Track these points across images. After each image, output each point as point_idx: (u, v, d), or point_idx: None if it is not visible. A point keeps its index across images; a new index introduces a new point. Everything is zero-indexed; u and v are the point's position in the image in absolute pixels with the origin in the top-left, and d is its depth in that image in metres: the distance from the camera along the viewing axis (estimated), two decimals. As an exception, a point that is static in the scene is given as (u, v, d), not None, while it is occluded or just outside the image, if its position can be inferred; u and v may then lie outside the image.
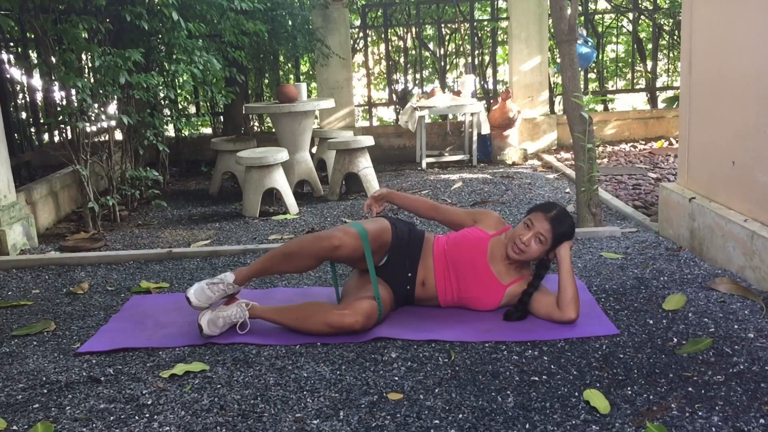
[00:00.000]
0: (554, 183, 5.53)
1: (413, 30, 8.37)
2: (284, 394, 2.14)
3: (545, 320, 2.61)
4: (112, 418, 2.04)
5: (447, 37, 8.88)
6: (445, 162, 6.70)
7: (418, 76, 8.48)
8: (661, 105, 8.27)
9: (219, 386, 2.22)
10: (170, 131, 6.80)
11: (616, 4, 8.68)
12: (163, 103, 5.75)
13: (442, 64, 8.58)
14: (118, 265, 3.69)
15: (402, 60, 8.76)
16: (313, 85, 8.28)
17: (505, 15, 7.71)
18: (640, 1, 8.45)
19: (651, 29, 8.38)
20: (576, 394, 2.06)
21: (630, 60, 8.55)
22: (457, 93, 6.73)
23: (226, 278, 2.62)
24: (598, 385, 2.11)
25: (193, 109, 7.88)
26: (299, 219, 4.74)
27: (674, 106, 7.61)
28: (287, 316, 2.62)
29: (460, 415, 1.97)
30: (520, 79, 7.09)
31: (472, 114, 6.56)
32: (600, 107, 9.03)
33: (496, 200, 4.96)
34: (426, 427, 1.91)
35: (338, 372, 2.28)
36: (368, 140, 5.33)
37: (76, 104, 4.47)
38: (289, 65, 8.19)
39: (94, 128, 4.80)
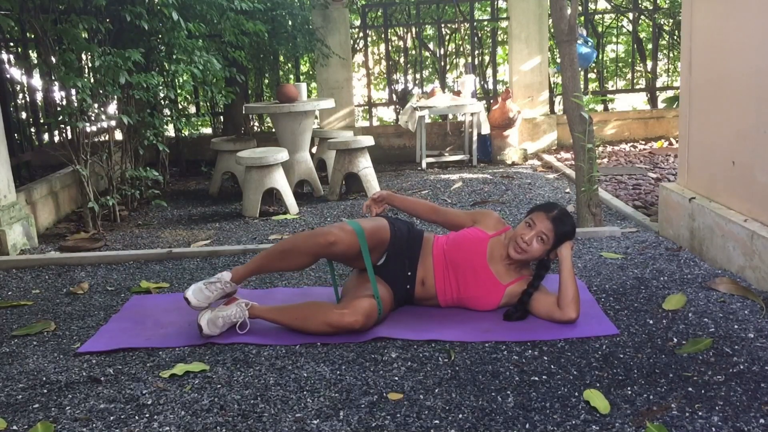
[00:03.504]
0: (554, 183, 5.53)
1: (413, 30, 8.37)
2: (284, 394, 2.14)
3: (545, 320, 2.61)
4: (112, 418, 2.04)
5: (447, 37, 8.88)
6: (445, 162, 6.70)
7: (418, 76, 8.48)
8: (661, 105, 8.27)
9: (219, 386, 2.22)
10: (170, 131, 6.80)
11: (616, 4, 8.68)
12: (163, 103, 5.75)
13: (442, 64, 8.58)
14: (118, 265, 3.69)
15: (402, 60, 8.76)
16: (313, 85, 8.28)
17: (505, 15, 7.70)
18: (640, 1, 8.45)
19: (651, 29, 8.38)
20: (576, 394, 2.06)
21: (630, 60, 8.55)
22: (457, 93, 6.73)
23: (222, 277, 2.62)
24: (598, 385, 2.11)
25: (193, 109, 7.88)
26: (299, 219, 4.74)
27: (674, 106, 7.61)
28: (287, 315, 2.62)
29: (460, 415, 1.97)
30: (520, 79, 7.09)
31: (472, 114, 6.56)
32: (600, 107, 9.03)
33: (496, 200, 4.96)
34: (426, 427, 1.91)
35: (338, 372, 2.28)
36: (368, 140, 5.33)
37: (76, 104, 4.47)
38: (289, 65, 8.19)
39: (94, 128, 4.80)
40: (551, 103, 7.70)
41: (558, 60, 4.23)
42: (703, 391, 2.03)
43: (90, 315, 2.95)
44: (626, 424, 1.88)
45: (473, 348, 2.42)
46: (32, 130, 6.11)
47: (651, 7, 8.17)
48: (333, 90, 7.03)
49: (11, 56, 5.98)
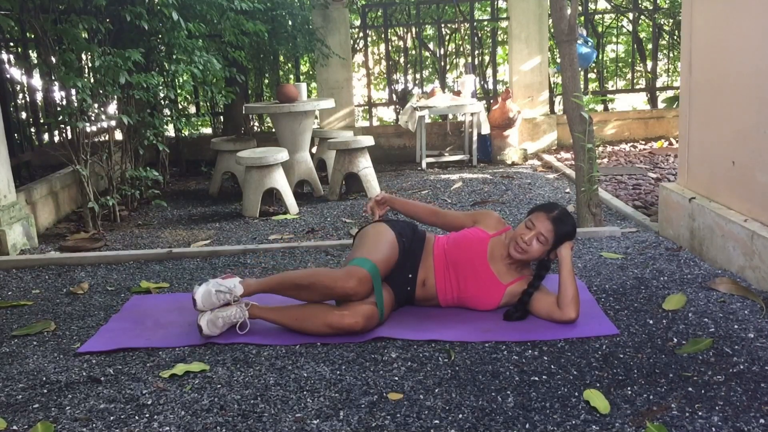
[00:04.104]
0: (554, 183, 5.53)
1: (413, 30, 8.37)
2: (284, 394, 2.14)
3: (545, 320, 2.61)
4: (112, 418, 2.04)
5: (447, 37, 8.88)
6: (445, 162, 6.70)
7: (418, 76, 8.48)
8: (661, 105, 8.27)
9: (219, 386, 2.22)
10: (170, 131, 6.80)
11: (616, 4, 8.68)
12: (163, 103, 5.75)
13: (442, 64, 8.58)
14: (118, 265, 3.69)
15: (402, 60, 8.76)
16: (313, 85, 8.28)
17: (505, 15, 7.70)
18: (640, 1, 8.45)
19: (651, 29, 8.38)
20: (576, 394, 2.06)
21: (630, 60, 8.55)
22: (457, 93, 6.73)
23: (235, 291, 2.57)
24: (598, 385, 2.11)
25: (193, 109, 7.88)
26: (299, 219, 4.74)
27: (674, 106, 7.61)
28: (287, 316, 2.62)
29: (460, 415, 1.97)
30: (520, 79, 7.09)
31: (472, 114, 6.56)
32: (600, 107, 9.02)
33: (496, 200, 4.96)
34: (426, 427, 1.91)
35: (338, 372, 2.28)
36: (368, 140, 5.34)
37: (76, 104, 4.47)
38: (289, 65, 8.19)
39: (94, 128, 4.80)
40: (551, 103, 7.70)
41: (558, 60, 4.23)
42: (703, 391, 2.03)
43: (90, 315, 2.95)
44: (626, 424, 1.88)
45: (473, 348, 2.42)
46: (32, 130, 6.11)
47: (651, 7, 8.17)
48: (333, 90, 7.03)
49: (11, 56, 5.98)
